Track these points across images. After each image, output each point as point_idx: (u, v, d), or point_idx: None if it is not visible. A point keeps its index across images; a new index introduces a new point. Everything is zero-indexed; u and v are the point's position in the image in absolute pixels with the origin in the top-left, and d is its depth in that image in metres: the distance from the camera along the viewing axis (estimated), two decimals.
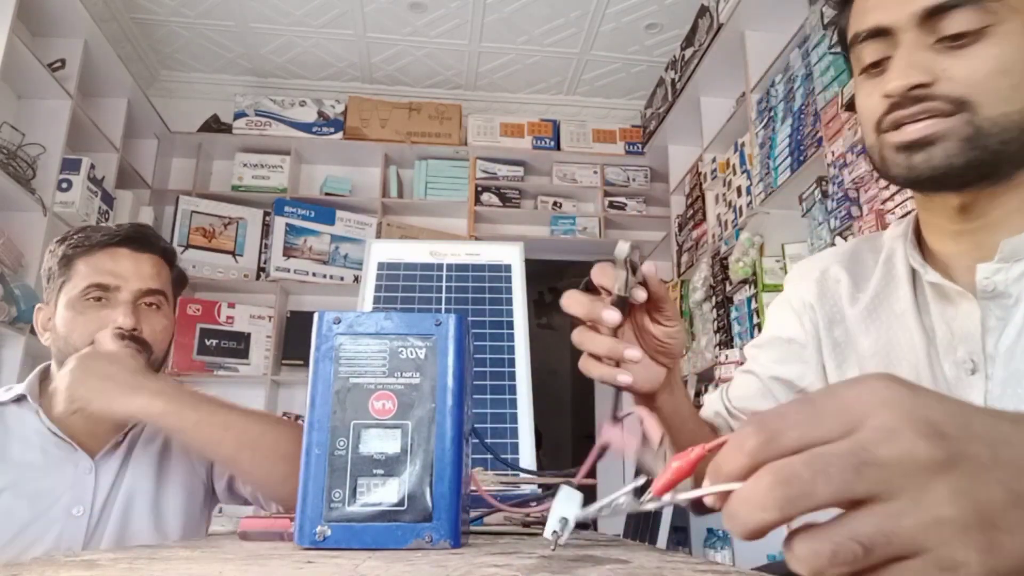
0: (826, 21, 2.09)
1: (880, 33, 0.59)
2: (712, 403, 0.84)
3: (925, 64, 0.56)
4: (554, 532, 0.44)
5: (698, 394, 2.91)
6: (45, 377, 1.04)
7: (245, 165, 3.52)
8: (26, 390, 1.00)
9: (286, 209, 3.40)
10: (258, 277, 3.38)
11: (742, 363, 0.86)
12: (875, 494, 0.24)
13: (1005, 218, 0.60)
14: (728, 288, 2.71)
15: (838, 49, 0.68)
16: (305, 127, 3.60)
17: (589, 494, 0.44)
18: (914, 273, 0.68)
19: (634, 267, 0.57)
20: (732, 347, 2.62)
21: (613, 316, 0.57)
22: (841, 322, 0.75)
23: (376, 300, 1.03)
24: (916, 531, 0.24)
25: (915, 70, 0.56)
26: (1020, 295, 0.60)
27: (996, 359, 0.61)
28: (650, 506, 0.34)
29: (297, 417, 3.06)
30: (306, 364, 0.56)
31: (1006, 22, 0.55)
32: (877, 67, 0.61)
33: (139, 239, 1.05)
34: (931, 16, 0.56)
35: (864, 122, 0.64)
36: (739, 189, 2.77)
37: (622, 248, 0.55)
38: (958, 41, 0.56)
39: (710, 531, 2.91)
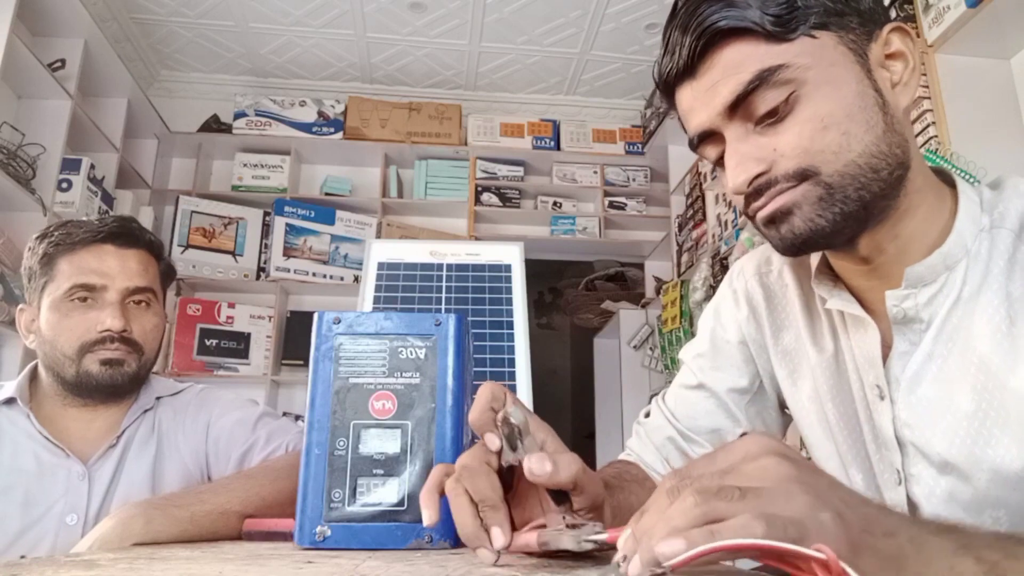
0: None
1: (707, 135, 0.59)
2: (659, 429, 0.79)
3: (754, 154, 0.56)
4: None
5: None
6: (34, 378, 1.00)
7: (245, 165, 3.52)
8: (16, 392, 0.96)
9: (286, 209, 3.40)
10: (258, 277, 3.38)
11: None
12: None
13: (906, 246, 0.60)
14: None
15: None
16: (305, 127, 3.60)
17: None
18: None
19: (517, 438, 0.47)
20: None
21: (492, 551, 0.45)
22: (791, 327, 0.73)
23: (376, 300, 1.03)
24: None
25: (746, 164, 0.56)
26: (931, 320, 0.60)
27: (900, 384, 0.61)
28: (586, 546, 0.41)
29: (297, 417, 3.05)
30: (306, 364, 0.56)
31: (807, 82, 0.54)
32: (721, 162, 0.61)
33: (124, 234, 1.00)
34: (736, 107, 0.56)
35: (739, 209, 0.64)
36: None
37: (510, 412, 0.47)
38: (773, 118, 0.55)
39: None
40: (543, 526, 0.46)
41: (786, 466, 0.36)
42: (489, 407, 0.48)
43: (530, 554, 0.46)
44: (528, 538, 0.43)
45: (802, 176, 0.55)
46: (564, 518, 0.44)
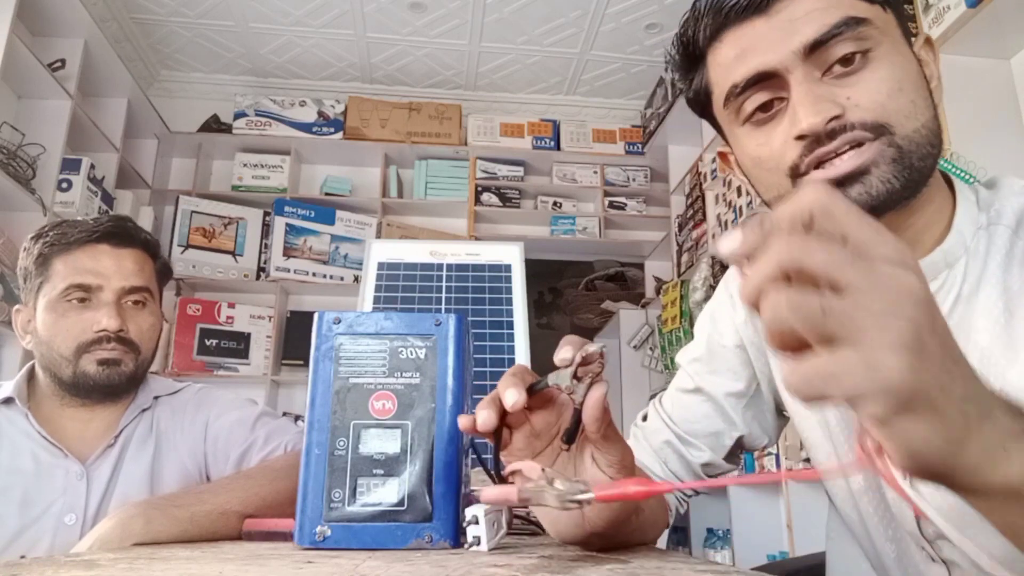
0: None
1: (764, 78, 0.57)
2: (657, 432, 0.79)
3: (829, 96, 0.54)
4: (475, 537, 0.47)
5: None
6: (32, 377, 1.00)
7: (245, 165, 3.52)
8: (14, 392, 0.96)
9: (286, 209, 3.40)
10: (258, 277, 3.38)
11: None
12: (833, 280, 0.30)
13: (914, 240, 0.60)
14: None
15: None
16: (305, 127, 3.60)
17: None
18: None
19: (579, 375, 0.47)
20: None
21: (514, 395, 0.46)
22: None
23: (376, 300, 1.03)
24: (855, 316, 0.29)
25: (823, 104, 0.54)
26: None
27: None
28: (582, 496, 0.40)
29: (297, 417, 3.05)
30: (306, 364, 0.56)
31: (881, 44, 0.55)
32: (766, 112, 0.58)
33: (119, 234, 1.00)
34: (814, 50, 0.55)
35: (767, 172, 0.60)
36: (739, 189, 2.77)
37: (589, 346, 0.47)
38: (847, 68, 0.55)
39: (710, 531, 2.91)
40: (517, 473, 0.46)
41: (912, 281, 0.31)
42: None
43: (517, 529, 0.46)
44: (508, 491, 0.43)
45: (879, 130, 0.54)
46: (545, 470, 0.44)
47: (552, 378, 0.47)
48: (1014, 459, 0.35)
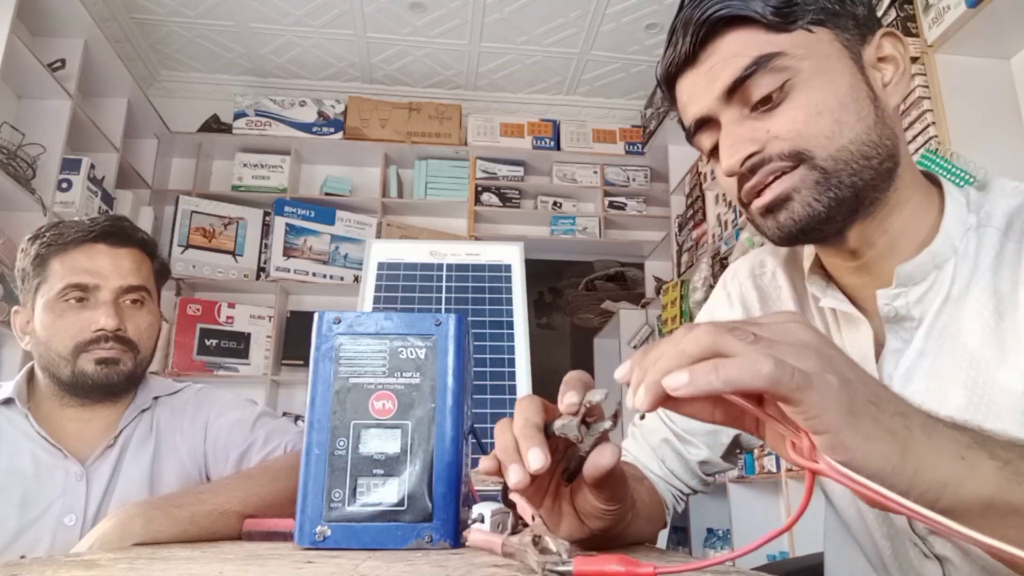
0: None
1: (703, 122, 0.62)
2: (655, 431, 0.79)
3: (748, 135, 0.58)
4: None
5: None
6: (31, 378, 1.00)
7: (245, 165, 3.52)
8: (13, 393, 0.96)
9: (286, 209, 3.40)
10: (258, 277, 3.38)
11: None
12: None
13: (895, 242, 0.61)
14: None
15: None
16: (305, 127, 3.60)
17: None
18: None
19: (587, 419, 0.45)
20: None
21: (539, 460, 0.43)
22: None
23: (376, 300, 1.03)
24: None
25: (740, 145, 0.58)
26: (922, 318, 0.61)
27: (893, 381, 0.61)
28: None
29: (297, 417, 3.05)
30: (306, 364, 0.56)
31: (801, 71, 0.57)
32: (716, 152, 0.63)
33: (116, 233, 1.00)
34: (733, 92, 0.58)
35: (732, 199, 0.66)
36: None
37: (593, 394, 0.45)
38: (768, 104, 0.57)
39: (710, 531, 2.91)
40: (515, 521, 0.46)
41: (809, 333, 0.37)
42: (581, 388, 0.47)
43: None
44: (494, 542, 0.44)
45: (797, 158, 0.57)
46: (534, 521, 0.43)
47: (559, 428, 0.45)
48: (978, 469, 0.36)
